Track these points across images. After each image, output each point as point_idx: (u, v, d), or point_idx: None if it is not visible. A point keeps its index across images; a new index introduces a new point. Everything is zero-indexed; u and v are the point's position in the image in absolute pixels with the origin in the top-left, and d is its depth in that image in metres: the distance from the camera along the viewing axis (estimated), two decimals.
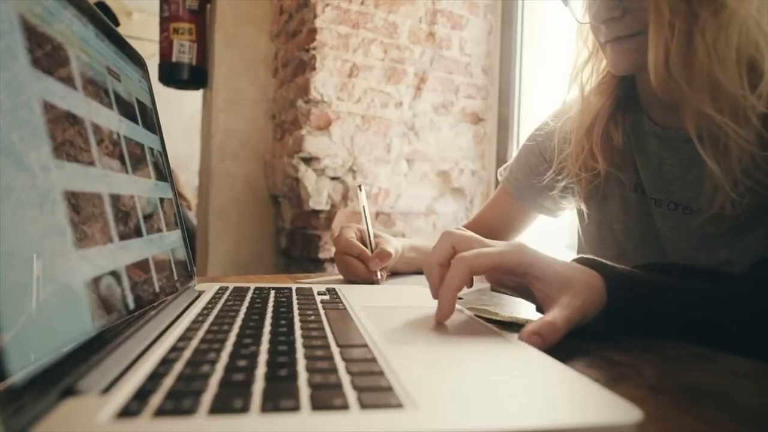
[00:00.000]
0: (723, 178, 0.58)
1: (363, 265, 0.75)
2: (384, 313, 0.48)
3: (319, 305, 0.50)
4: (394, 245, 0.78)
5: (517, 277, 0.47)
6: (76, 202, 0.32)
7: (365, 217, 0.79)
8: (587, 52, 0.71)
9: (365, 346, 0.35)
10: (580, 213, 0.81)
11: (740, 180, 0.57)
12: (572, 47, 0.74)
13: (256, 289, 0.58)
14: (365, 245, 0.77)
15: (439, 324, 0.44)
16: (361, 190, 0.79)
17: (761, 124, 0.55)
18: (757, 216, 0.59)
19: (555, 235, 1.46)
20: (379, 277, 0.75)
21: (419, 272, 0.86)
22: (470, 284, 0.47)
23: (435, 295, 0.48)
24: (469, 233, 0.50)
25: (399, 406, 0.25)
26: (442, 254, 0.49)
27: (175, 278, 0.52)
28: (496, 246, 0.47)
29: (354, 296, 0.56)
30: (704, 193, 0.61)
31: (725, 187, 0.57)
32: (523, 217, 0.92)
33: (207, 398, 0.25)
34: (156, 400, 0.25)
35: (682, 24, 0.55)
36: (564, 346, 0.41)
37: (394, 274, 0.86)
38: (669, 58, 0.56)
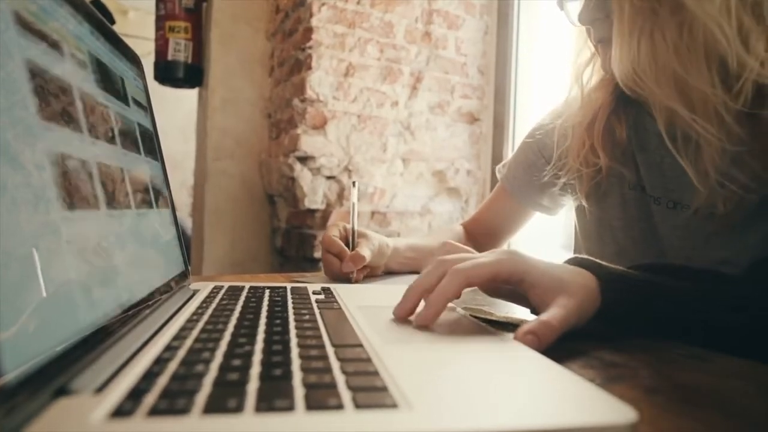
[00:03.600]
0: (696, 177, 0.58)
1: (339, 263, 0.76)
2: (379, 312, 0.48)
3: (314, 305, 0.50)
4: (375, 246, 0.78)
5: (513, 285, 0.46)
6: (71, 201, 0.32)
7: (352, 214, 0.79)
8: (589, 53, 0.71)
9: (360, 345, 0.35)
10: (579, 210, 0.81)
11: (716, 179, 0.57)
12: (572, 47, 0.74)
13: (251, 288, 0.58)
14: (349, 243, 0.78)
15: (424, 325, 0.43)
16: (354, 186, 0.80)
17: (736, 122, 0.55)
18: (755, 215, 0.59)
19: (551, 236, 1.47)
20: (354, 277, 0.76)
21: (416, 272, 0.86)
22: (459, 294, 0.47)
23: (399, 315, 0.46)
24: (463, 255, 0.49)
25: (394, 406, 0.25)
26: (431, 282, 0.46)
27: (170, 278, 0.52)
28: (490, 256, 0.47)
29: (349, 296, 0.56)
30: (694, 191, 0.61)
31: (700, 186, 0.58)
32: (521, 214, 0.93)
33: (201, 398, 0.25)
34: (150, 399, 0.25)
35: (645, 22, 0.55)
36: (559, 346, 0.41)
37: (390, 273, 0.86)
38: (633, 55, 0.56)
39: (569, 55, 0.75)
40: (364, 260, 0.75)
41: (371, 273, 0.82)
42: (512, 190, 0.90)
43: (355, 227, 0.78)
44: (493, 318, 0.51)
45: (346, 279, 0.76)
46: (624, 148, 0.71)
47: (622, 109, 0.71)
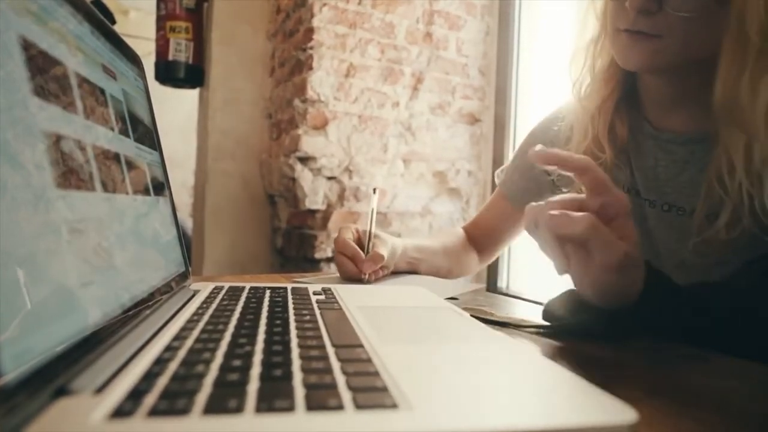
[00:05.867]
0: (709, 187, 0.59)
1: (353, 265, 0.76)
2: (379, 313, 0.48)
3: (315, 305, 0.50)
4: (389, 246, 0.79)
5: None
6: (72, 201, 0.32)
7: (371, 219, 0.81)
8: (598, 29, 0.69)
9: (360, 346, 0.35)
10: None
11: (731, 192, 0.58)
12: (581, 22, 0.71)
13: (251, 288, 0.58)
14: (362, 245, 0.78)
15: (436, 322, 0.43)
16: (375, 193, 0.82)
17: None
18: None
19: None
20: (368, 278, 0.77)
21: (416, 272, 0.87)
22: None
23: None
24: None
25: (394, 406, 0.25)
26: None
27: (171, 278, 0.52)
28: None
29: (350, 296, 0.56)
30: (690, 194, 0.61)
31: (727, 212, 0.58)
32: (520, 219, 0.92)
33: (201, 398, 0.25)
34: (150, 400, 0.25)
35: (757, 60, 0.54)
36: (559, 347, 0.41)
37: (394, 272, 0.86)
38: (743, 85, 0.55)
39: (575, 30, 0.73)
40: (382, 259, 0.76)
41: (382, 273, 0.83)
42: (510, 196, 0.90)
43: (373, 231, 0.80)
44: (494, 318, 0.51)
45: (359, 280, 0.77)
46: (621, 148, 0.71)
47: (624, 107, 0.71)
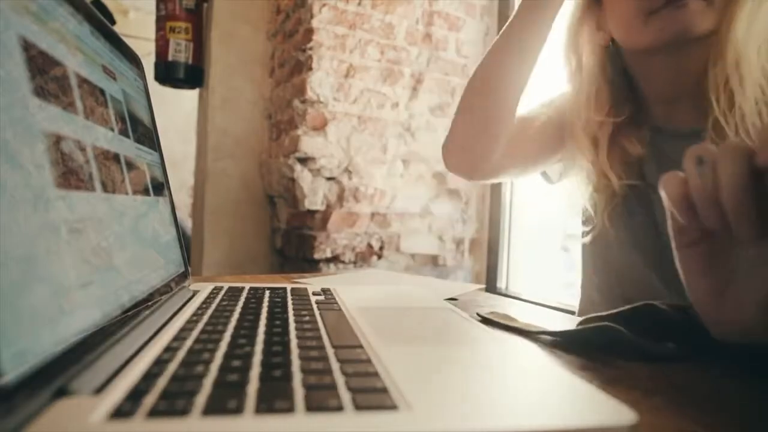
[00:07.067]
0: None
1: None
2: (379, 313, 0.48)
3: (314, 305, 0.50)
4: None
5: None
6: (72, 201, 0.32)
7: None
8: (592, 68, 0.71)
9: (360, 347, 0.35)
10: (586, 216, 0.80)
11: None
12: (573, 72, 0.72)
13: (251, 289, 0.58)
14: None
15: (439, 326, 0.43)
16: None
17: None
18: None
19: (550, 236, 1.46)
20: None
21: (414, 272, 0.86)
22: None
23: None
24: None
25: (393, 407, 0.25)
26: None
27: (170, 278, 0.52)
28: None
29: (349, 297, 0.56)
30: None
31: None
32: (553, 146, 0.87)
33: (201, 399, 0.25)
34: (149, 400, 0.25)
35: None
36: (558, 347, 0.41)
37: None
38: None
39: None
40: None
41: None
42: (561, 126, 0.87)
43: None
44: (515, 325, 0.51)
45: None
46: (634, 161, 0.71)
47: (629, 124, 0.71)
